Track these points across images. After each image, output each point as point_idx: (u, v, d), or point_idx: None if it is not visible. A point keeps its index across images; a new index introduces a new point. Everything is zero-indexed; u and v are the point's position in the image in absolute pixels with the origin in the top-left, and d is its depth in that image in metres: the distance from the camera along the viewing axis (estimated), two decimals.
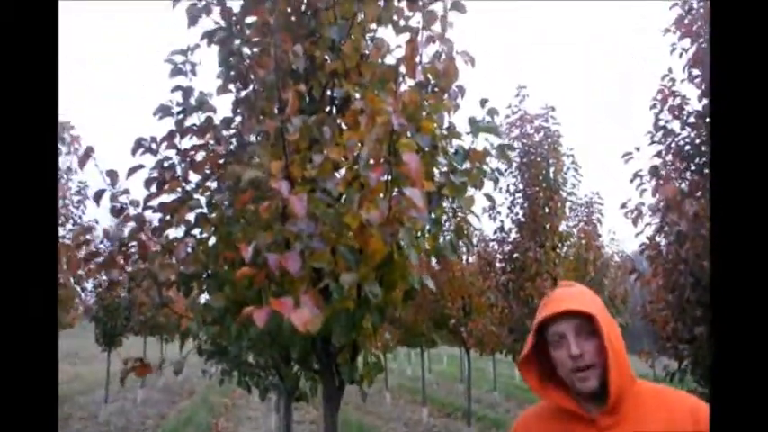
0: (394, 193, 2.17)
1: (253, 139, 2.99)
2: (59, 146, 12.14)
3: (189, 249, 2.79)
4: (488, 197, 2.85)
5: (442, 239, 2.67)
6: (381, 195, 2.16)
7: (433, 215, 2.55)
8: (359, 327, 2.57)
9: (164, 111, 3.29)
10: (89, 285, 13.54)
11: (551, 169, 8.69)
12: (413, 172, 1.98)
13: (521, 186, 8.80)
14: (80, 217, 12.60)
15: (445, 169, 2.57)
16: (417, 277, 2.59)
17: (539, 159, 8.66)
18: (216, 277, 2.91)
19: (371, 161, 2.18)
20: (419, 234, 2.54)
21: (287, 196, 2.03)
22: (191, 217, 3.03)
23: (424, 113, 2.68)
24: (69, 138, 11.89)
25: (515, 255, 8.53)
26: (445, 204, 2.76)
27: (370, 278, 2.34)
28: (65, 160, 12.12)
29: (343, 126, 2.82)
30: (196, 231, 3.05)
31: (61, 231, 12.12)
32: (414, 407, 15.10)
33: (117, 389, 17.37)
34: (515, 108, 8.94)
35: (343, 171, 2.69)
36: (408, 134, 2.47)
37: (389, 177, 2.14)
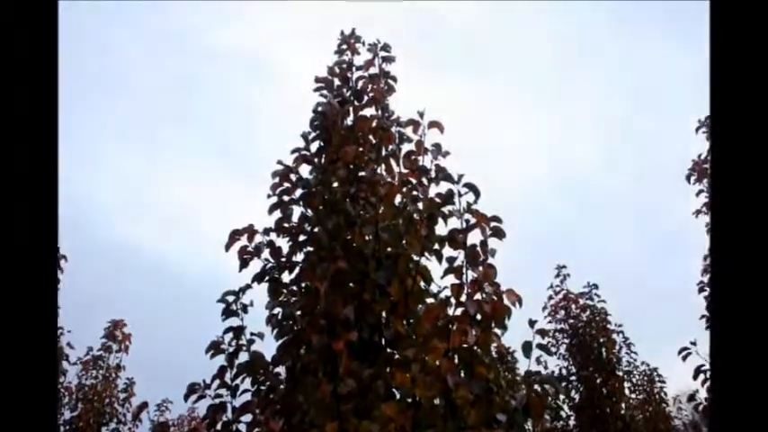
0: None
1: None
2: (111, 343, 12.38)
3: None
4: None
5: None
6: None
7: None
8: None
9: (215, 348, 3.38)
10: None
11: (603, 349, 8.39)
12: None
13: (573, 369, 8.46)
14: (124, 415, 12.44)
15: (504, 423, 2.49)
16: None
17: (588, 339, 8.41)
18: None
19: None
20: None
21: None
22: None
23: (476, 354, 2.67)
24: (121, 335, 12.18)
25: None
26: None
27: None
28: (114, 357, 12.29)
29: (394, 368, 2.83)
30: None
31: (104, 431, 11.93)
32: None
33: None
34: (557, 288, 8.92)
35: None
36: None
37: None
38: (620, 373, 8.29)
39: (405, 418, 2.29)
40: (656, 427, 8.06)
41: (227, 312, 3.41)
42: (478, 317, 2.80)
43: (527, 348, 2.86)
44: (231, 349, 3.33)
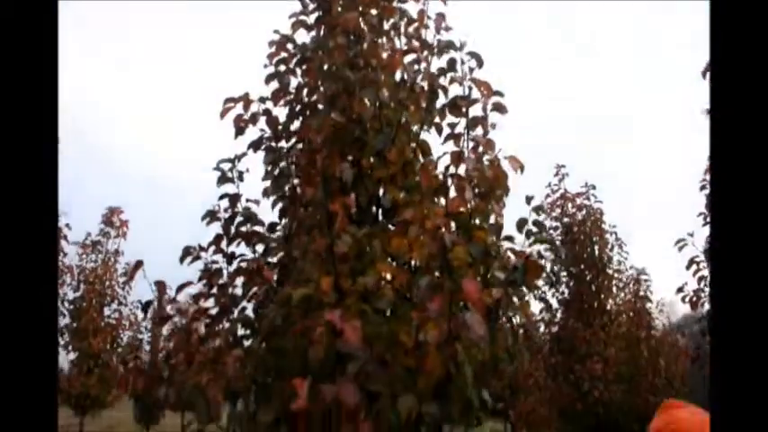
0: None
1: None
2: (109, 229, 12.56)
3: (236, 367, 2.74)
4: (544, 300, 2.75)
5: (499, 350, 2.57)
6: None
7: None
8: None
9: (211, 216, 3.36)
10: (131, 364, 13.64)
11: (595, 247, 8.51)
12: (473, 300, 1.92)
13: (565, 265, 8.62)
14: (125, 297, 12.81)
15: (502, 281, 2.50)
16: (475, 391, 2.49)
17: (582, 237, 8.51)
18: (265, 389, 2.84)
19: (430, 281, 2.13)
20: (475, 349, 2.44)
21: (341, 326, 1.98)
22: (237, 326, 3.01)
23: (475, 220, 2.65)
24: (119, 221, 12.35)
25: (562, 335, 8.25)
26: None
27: (427, 397, 2.25)
28: (113, 243, 12.52)
29: (391, 232, 2.81)
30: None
31: (106, 311, 12.36)
32: None
33: None
34: (555, 187, 8.90)
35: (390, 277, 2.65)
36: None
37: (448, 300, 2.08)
38: (610, 272, 8.48)
39: (402, 278, 2.29)
40: (640, 321, 8.36)
41: (223, 179, 3.36)
42: (477, 190, 2.76)
43: (522, 224, 2.84)
44: (227, 215, 3.31)
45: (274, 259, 2.89)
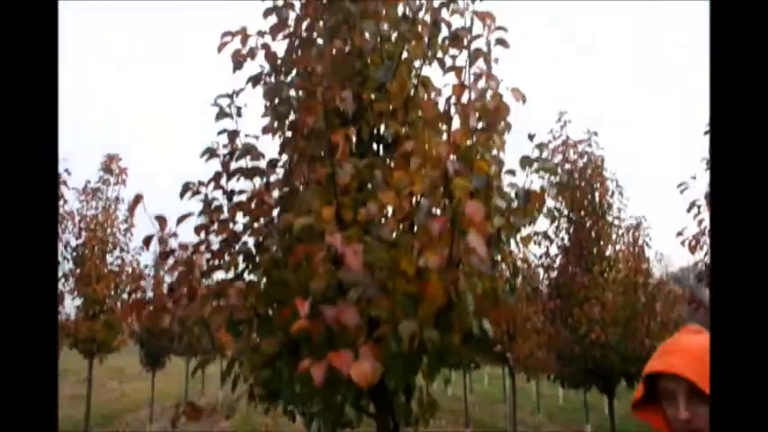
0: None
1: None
2: (108, 176, 12.53)
3: (238, 297, 2.77)
4: (546, 236, 2.75)
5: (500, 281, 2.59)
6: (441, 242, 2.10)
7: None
8: (415, 369, 2.50)
9: (210, 153, 3.33)
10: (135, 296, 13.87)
11: (596, 194, 8.50)
12: (476, 222, 1.92)
13: (565, 212, 8.63)
14: (126, 244, 12.87)
15: (503, 210, 2.50)
16: (476, 320, 2.52)
17: (583, 184, 8.49)
18: (267, 321, 2.88)
19: (431, 207, 2.12)
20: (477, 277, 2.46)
21: (342, 250, 1.98)
22: (239, 260, 3.02)
23: (477, 153, 2.62)
24: (117, 169, 12.29)
25: (561, 281, 8.33)
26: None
27: (429, 324, 2.27)
28: (113, 190, 12.50)
29: (392, 165, 2.80)
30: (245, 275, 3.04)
31: (109, 258, 12.45)
32: (456, 428, 14.84)
33: (161, 409, 17.63)
34: (557, 133, 8.81)
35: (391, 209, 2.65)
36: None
37: (450, 224, 2.08)
38: (610, 219, 8.49)
39: (404, 207, 2.28)
40: (638, 268, 8.43)
41: (221, 115, 3.31)
42: (480, 125, 2.71)
43: (525, 162, 2.82)
44: (226, 151, 3.28)
45: (275, 194, 2.88)
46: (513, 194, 2.49)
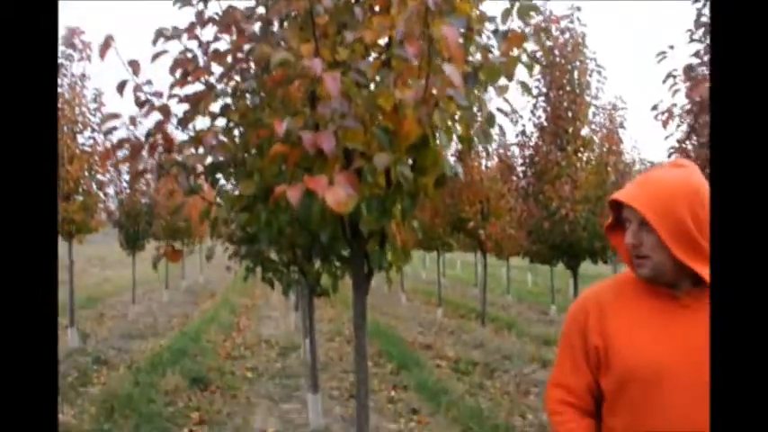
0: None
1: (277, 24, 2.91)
2: (71, 52, 11.95)
3: (216, 139, 2.78)
4: (524, 86, 2.76)
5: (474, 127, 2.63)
6: (417, 75, 2.11)
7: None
8: (389, 213, 2.60)
9: (183, 1, 3.20)
10: (111, 191, 13.81)
11: (575, 72, 8.43)
12: (451, 46, 1.92)
13: (544, 89, 8.58)
14: (97, 125, 12.57)
15: (481, 52, 2.49)
16: (449, 163, 2.58)
17: (563, 62, 8.38)
18: (245, 165, 2.92)
19: (407, 39, 2.11)
20: (452, 119, 2.49)
21: (320, 74, 1.98)
22: (216, 107, 3.01)
23: None
24: (81, 44, 11.69)
25: (536, 158, 8.45)
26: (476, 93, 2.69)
27: (403, 160, 2.33)
28: (78, 66, 11.98)
29: (375, 8, 2.73)
30: (222, 122, 3.03)
31: (80, 139, 12.19)
32: (428, 308, 15.60)
33: (143, 291, 18.14)
34: (541, 6, 8.53)
35: (374, 55, 2.62)
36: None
37: (426, 56, 2.08)
38: (588, 99, 8.50)
39: (382, 33, 2.25)
40: (611, 148, 8.56)
41: None
42: None
43: (506, 14, 2.77)
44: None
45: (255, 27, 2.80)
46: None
